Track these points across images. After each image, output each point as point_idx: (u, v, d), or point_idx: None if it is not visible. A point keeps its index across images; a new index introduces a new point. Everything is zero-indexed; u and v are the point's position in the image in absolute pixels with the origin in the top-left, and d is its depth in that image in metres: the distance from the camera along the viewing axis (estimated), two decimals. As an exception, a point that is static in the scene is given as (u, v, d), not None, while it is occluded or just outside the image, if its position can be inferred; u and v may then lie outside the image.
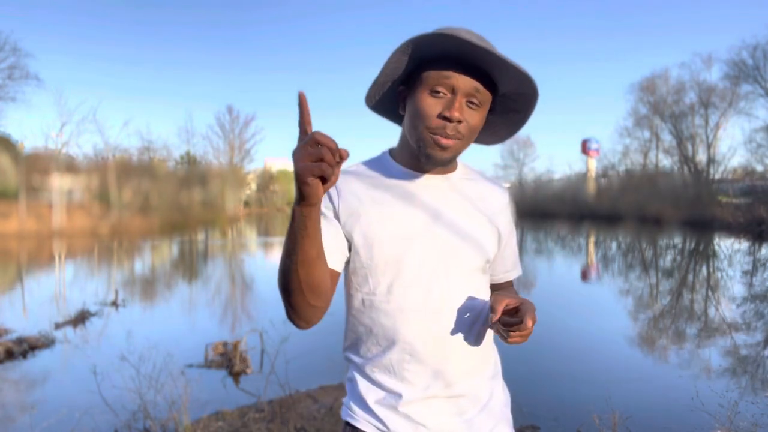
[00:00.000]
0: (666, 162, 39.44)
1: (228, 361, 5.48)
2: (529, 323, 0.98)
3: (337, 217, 1.09)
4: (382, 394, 1.11)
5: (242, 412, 4.17)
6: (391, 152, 1.17)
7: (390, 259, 1.07)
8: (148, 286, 11.71)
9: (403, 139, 1.13)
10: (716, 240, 21.70)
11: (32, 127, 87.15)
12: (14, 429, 4.13)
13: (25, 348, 6.08)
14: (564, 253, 18.53)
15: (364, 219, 1.08)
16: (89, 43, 77.29)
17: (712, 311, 8.60)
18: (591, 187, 43.75)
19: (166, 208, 32.01)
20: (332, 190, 1.11)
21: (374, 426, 1.11)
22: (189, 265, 16.15)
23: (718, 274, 12.68)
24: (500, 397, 1.20)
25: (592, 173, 47.27)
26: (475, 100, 1.02)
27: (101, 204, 29.56)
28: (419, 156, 1.07)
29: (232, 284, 12.02)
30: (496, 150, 57.02)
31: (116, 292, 9.16)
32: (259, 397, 4.38)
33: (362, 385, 1.13)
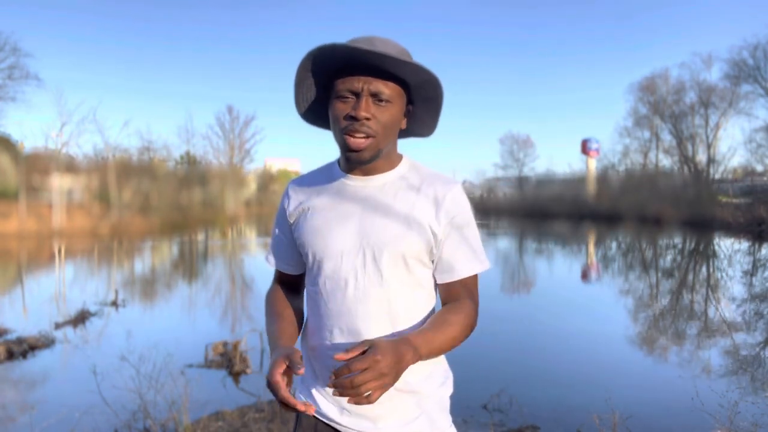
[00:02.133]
0: (666, 162, 39.46)
1: (228, 361, 5.48)
2: (358, 366, 0.89)
3: (289, 223, 1.26)
4: (312, 375, 1.23)
5: (242, 412, 4.17)
6: (339, 159, 1.26)
7: (317, 254, 1.19)
8: (148, 286, 11.72)
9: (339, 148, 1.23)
10: (716, 240, 21.70)
11: (32, 127, 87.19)
12: (14, 429, 4.13)
13: (25, 348, 6.08)
14: (564, 253, 18.54)
15: (302, 221, 1.22)
16: (89, 43, 77.26)
17: (712, 311, 8.60)
18: (591, 187, 43.73)
19: (166, 208, 31.98)
20: (286, 201, 1.28)
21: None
22: (189, 265, 16.15)
23: (718, 274, 12.69)
24: (432, 390, 1.20)
25: (592, 173, 47.27)
26: (382, 97, 1.10)
27: (101, 204, 29.54)
28: (346, 160, 1.18)
29: (232, 284, 12.03)
30: (496, 150, 57.02)
31: (116, 292, 9.16)
32: (259, 397, 4.39)
33: (305, 366, 1.25)
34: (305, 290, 1.28)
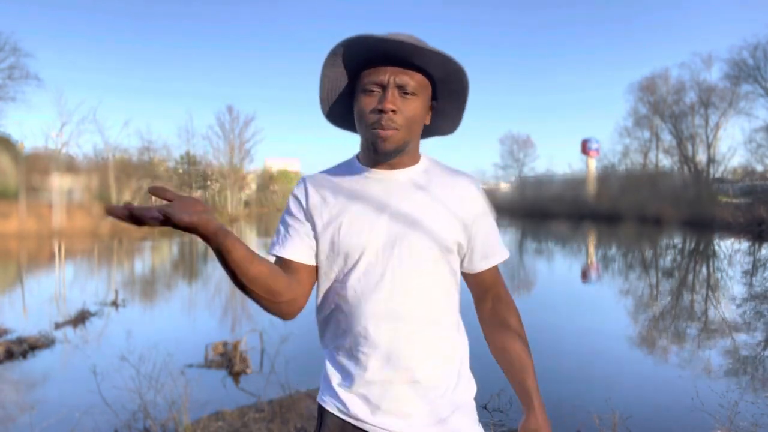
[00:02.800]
0: (666, 162, 39.48)
1: (228, 361, 5.48)
2: None
3: (307, 216, 1.19)
4: (342, 376, 1.18)
5: (242, 412, 4.17)
6: (358, 155, 1.24)
7: (348, 250, 1.14)
8: (148, 286, 11.72)
9: (362, 142, 1.20)
10: (716, 240, 21.70)
11: (32, 127, 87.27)
12: (14, 429, 4.13)
13: (25, 348, 6.08)
14: (564, 253, 18.54)
15: (326, 215, 1.17)
16: (89, 43, 77.34)
17: (712, 311, 8.60)
18: (591, 187, 43.73)
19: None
20: (302, 194, 1.21)
21: (336, 407, 1.17)
22: (189, 265, 16.16)
23: (718, 274, 12.69)
24: (463, 388, 1.20)
25: (592, 173, 47.27)
26: (407, 89, 1.10)
27: (101, 204, 29.56)
28: (372, 152, 1.15)
29: (232, 284, 12.02)
30: (496, 150, 57.01)
31: (116, 292, 9.16)
32: (259, 397, 4.38)
33: (328, 368, 1.20)
34: (320, 289, 1.21)
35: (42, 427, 3.57)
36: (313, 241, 1.18)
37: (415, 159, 1.20)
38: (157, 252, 19.58)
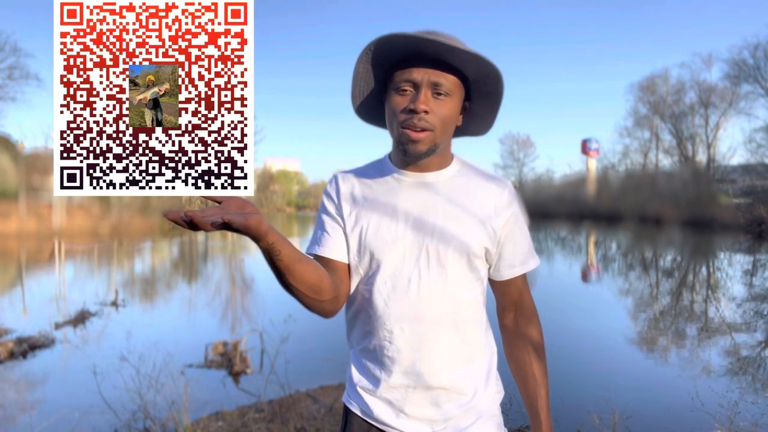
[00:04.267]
0: (666, 162, 39.54)
1: (228, 361, 5.48)
2: None
3: (339, 213, 1.18)
4: (367, 379, 1.17)
5: (242, 412, 4.17)
6: (390, 155, 1.23)
7: (375, 251, 1.13)
8: (148, 286, 11.71)
9: (393, 142, 1.19)
10: (716, 240, 21.69)
11: (32, 127, 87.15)
12: (14, 429, 4.13)
13: (25, 348, 6.08)
14: (564, 253, 18.54)
15: (354, 215, 1.16)
16: (89, 43, 77.26)
17: (712, 311, 8.60)
18: (591, 187, 43.76)
19: (166, 208, 32.04)
20: (333, 191, 1.20)
21: (361, 410, 1.18)
22: (189, 265, 16.16)
23: (718, 274, 12.68)
24: (489, 394, 1.19)
25: (592, 173, 47.30)
26: (441, 90, 1.07)
27: (101, 204, 29.56)
28: (402, 153, 1.13)
29: (232, 284, 12.02)
30: (496, 150, 57.03)
31: (116, 292, 9.16)
32: (259, 397, 4.38)
33: (353, 369, 1.21)
34: (352, 289, 1.19)
35: (42, 427, 3.58)
36: (344, 239, 1.18)
37: (446, 161, 1.18)
38: (157, 252, 19.58)
